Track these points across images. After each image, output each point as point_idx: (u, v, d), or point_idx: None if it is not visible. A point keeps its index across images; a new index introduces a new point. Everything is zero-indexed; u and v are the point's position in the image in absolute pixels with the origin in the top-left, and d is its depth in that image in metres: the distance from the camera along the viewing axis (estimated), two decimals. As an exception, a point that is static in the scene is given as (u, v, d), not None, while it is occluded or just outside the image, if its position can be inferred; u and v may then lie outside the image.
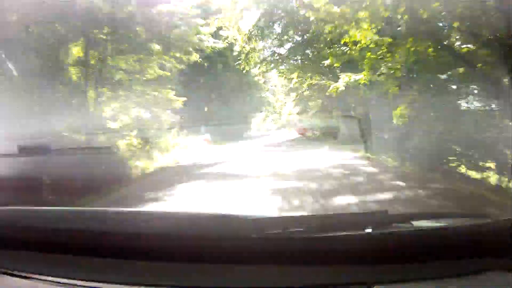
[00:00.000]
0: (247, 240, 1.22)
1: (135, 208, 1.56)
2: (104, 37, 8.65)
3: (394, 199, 5.51)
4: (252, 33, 11.22)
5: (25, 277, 1.23)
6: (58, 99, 7.73)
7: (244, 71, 12.27)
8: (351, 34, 7.15)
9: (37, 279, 1.22)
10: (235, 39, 11.70)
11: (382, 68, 7.65)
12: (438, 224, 1.31)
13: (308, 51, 12.14)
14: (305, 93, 14.33)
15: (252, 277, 1.16)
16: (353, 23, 6.81)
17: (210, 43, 10.90)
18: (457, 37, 6.69)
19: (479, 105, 7.63)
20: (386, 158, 9.20)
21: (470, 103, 7.77)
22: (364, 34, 6.94)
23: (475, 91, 7.58)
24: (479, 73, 6.69)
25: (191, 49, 10.17)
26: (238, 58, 12.10)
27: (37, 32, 7.57)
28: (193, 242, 1.25)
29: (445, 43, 6.96)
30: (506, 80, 6.09)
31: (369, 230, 1.18)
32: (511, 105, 5.64)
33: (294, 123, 18.74)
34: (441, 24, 6.95)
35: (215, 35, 11.21)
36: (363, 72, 8.20)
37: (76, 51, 8.73)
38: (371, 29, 6.86)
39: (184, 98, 10.65)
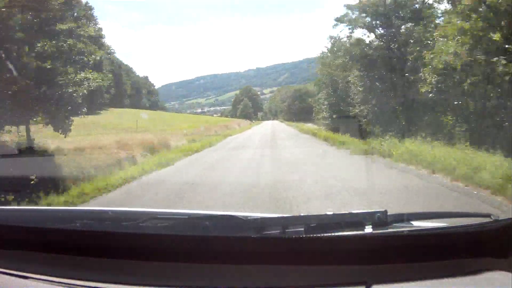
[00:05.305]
0: (247, 240, 1.21)
1: (135, 208, 1.56)
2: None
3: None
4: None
5: (25, 277, 1.23)
6: None
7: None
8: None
9: (37, 279, 1.22)
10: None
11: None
12: (438, 224, 1.31)
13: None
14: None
15: (252, 277, 1.16)
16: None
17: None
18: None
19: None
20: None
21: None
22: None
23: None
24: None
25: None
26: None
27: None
28: (193, 242, 1.25)
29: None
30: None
31: (368, 230, 1.18)
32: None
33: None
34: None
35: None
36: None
37: None
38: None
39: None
